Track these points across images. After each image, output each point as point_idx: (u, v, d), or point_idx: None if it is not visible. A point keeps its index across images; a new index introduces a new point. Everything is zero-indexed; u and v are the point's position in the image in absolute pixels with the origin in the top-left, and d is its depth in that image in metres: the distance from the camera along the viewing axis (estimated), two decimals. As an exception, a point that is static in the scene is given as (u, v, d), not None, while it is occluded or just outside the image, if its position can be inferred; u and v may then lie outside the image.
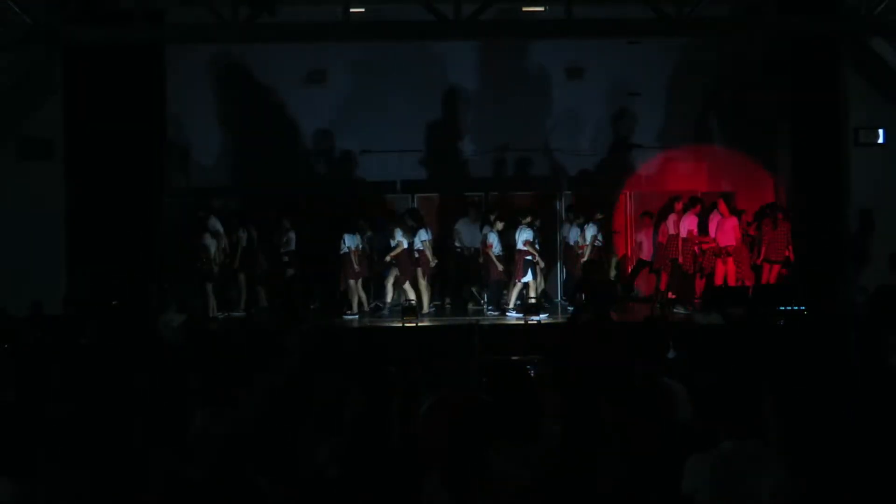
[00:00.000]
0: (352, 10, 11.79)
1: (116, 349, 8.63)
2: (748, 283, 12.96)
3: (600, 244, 13.64)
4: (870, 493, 4.50)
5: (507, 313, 13.38)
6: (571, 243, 13.83)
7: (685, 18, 11.64)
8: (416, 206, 15.01)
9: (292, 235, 13.81)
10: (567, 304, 13.76)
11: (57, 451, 4.83)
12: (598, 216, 13.88)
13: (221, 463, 4.53)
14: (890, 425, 5.11)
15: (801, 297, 11.83)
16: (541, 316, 12.83)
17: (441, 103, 15.01)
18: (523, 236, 13.12)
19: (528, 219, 13.35)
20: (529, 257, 13.14)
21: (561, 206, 15.15)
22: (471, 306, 14.16)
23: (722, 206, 13.24)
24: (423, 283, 13.48)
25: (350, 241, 13.48)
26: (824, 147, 12.88)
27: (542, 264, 13.50)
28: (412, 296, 13.32)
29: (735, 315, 11.38)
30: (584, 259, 13.19)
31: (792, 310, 11.60)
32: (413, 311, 12.85)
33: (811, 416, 5.04)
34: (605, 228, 14.05)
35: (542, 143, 15.20)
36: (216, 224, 13.76)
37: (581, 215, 13.91)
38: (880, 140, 12.79)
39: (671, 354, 7.67)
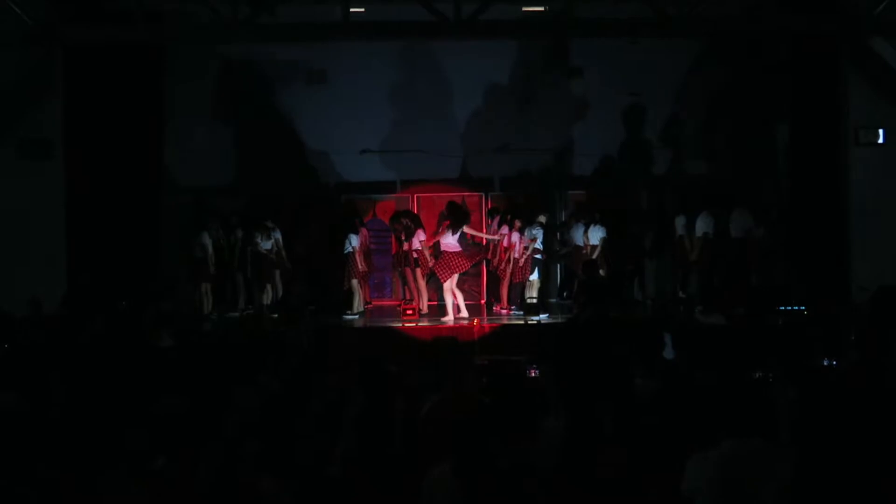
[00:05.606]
0: (352, 10, 11.78)
1: (116, 353, 8.62)
2: None
3: (606, 245, 13.66)
4: (870, 493, 4.49)
5: (503, 310, 13.48)
6: (580, 244, 13.84)
7: (685, 18, 11.63)
8: (415, 206, 15.05)
9: (277, 236, 13.78)
10: (573, 304, 13.79)
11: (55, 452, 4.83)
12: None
13: (225, 464, 4.53)
14: (890, 426, 5.11)
15: (800, 297, 11.84)
16: (541, 316, 12.85)
17: (441, 103, 15.00)
18: (532, 235, 13.20)
19: (542, 218, 13.44)
20: (538, 256, 13.22)
21: (561, 206, 15.18)
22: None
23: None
24: (421, 284, 13.48)
25: (355, 241, 13.51)
26: (824, 147, 12.87)
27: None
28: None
29: (737, 315, 11.38)
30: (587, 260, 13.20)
31: (792, 310, 11.61)
32: (413, 311, 12.91)
33: (812, 415, 5.04)
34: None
35: (541, 143, 15.20)
36: (215, 224, 13.78)
37: (586, 216, 13.93)
38: (880, 140, 12.77)
39: (670, 355, 7.67)
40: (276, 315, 13.48)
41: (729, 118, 14.71)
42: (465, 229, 13.24)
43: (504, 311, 13.61)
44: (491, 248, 14.21)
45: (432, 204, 15.15)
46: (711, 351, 8.10)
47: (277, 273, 13.83)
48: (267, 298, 13.77)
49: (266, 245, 13.65)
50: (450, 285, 12.82)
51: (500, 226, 13.93)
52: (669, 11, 11.58)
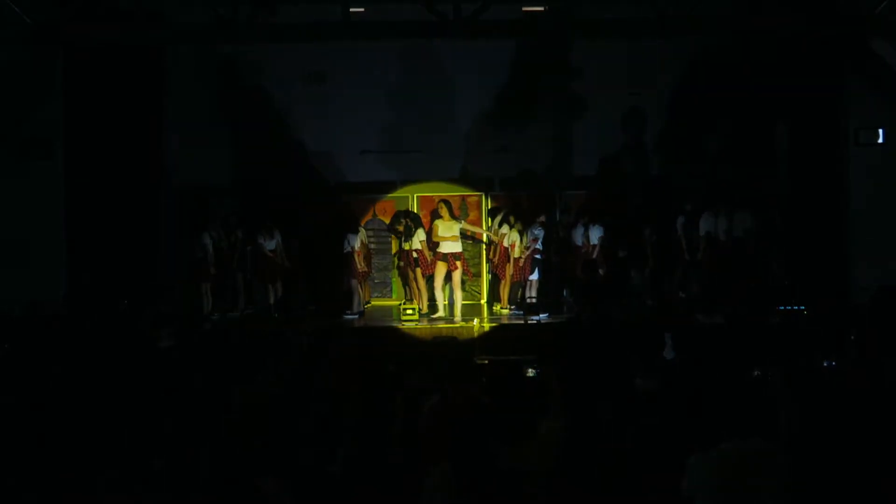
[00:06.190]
0: (352, 10, 11.79)
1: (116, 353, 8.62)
2: None
3: (606, 245, 13.65)
4: (870, 493, 4.50)
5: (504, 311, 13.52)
6: (579, 244, 13.84)
7: (685, 18, 11.64)
8: (416, 206, 15.05)
9: (277, 236, 13.78)
10: (575, 304, 13.81)
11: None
12: (605, 218, 13.90)
13: (225, 464, 4.53)
14: (890, 426, 5.11)
15: (800, 297, 11.84)
16: (541, 316, 12.85)
17: (441, 103, 15.00)
18: (533, 235, 13.21)
19: (542, 218, 13.45)
20: (539, 256, 13.23)
21: (561, 206, 15.17)
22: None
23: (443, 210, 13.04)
24: (421, 284, 13.48)
25: (353, 241, 13.51)
26: (824, 147, 12.88)
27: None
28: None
29: (737, 315, 11.38)
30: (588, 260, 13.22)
31: (792, 310, 11.61)
32: (413, 311, 12.91)
33: (812, 415, 5.04)
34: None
35: (541, 143, 15.20)
36: (215, 224, 13.78)
37: (586, 216, 13.92)
38: (880, 140, 12.78)
39: (671, 355, 7.67)
40: (276, 315, 13.54)
41: (728, 118, 14.70)
42: (464, 225, 13.23)
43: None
44: (491, 248, 14.23)
45: (432, 204, 15.16)
46: (711, 351, 8.10)
47: (278, 273, 13.85)
48: (270, 298, 13.77)
49: (269, 245, 13.66)
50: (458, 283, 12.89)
51: (500, 225, 13.95)
52: (669, 11, 11.58)
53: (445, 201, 13.18)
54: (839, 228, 12.82)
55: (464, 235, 13.29)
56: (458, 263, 12.76)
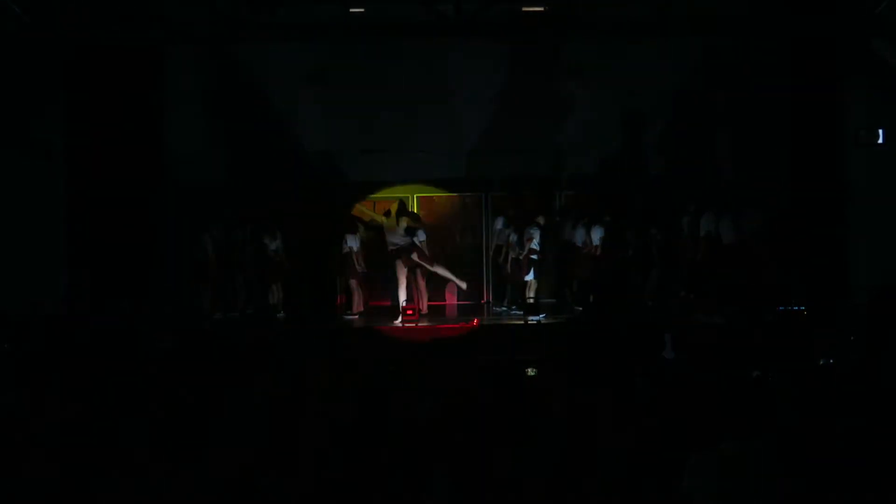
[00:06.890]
0: (352, 10, 11.79)
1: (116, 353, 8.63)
2: None
3: (608, 245, 13.64)
4: (868, 494, 4.50)
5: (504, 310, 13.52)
6: (580, 244, 13.83)
7: (685, 18, 11.65)
8: (416, 206, 15.05)
9: (278, 236, 13.79)
10: (575, 305, 13.81)
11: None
12: (606, 218, 13.92)
13: (225, 464, 4.54)
14: (890, 426, 5.12)
15: (800, 297, 11.85)
16: (541, 316, 12.86)
17: (441, 103, 14.99)
18: (529, 235, 13.23)
19: (541, 218, 13.45)
20: (535, 256, 13.24)
21: (560, 206, 15.17)
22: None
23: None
24: (421, 284, 13.48)
25: (352, 241, 13.52)
26: (824, 147, 12.88)
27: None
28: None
29: (737, 315, 11.41)
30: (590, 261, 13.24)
31: (792, 310, 11.62)
32: (413, 311, 12.92)
33: (812, 415, 5.05)
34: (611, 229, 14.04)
35: (541, 144, 15.20)
36: (215, 224, 13.78)
37: (586, 216, 13.92)
38: (880, 140, 12.79)
39: (671, 355, 7.68)
40: (277, 315, 13.56)
41: (729, 118, 14.70)
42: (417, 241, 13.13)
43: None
44: (494, 247, 14.25)
45: (432, 204, 15.16)
46: (711, 351, 8.11)
47: (280, 273, 13.85)
48: (273, 299, 13.77)
49: (272, 246, 13.67)
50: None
51: (505, 226, 13.95)
52: (669, 11, 11.59)
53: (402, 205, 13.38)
54: (839, 228, 12.82)
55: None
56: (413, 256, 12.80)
